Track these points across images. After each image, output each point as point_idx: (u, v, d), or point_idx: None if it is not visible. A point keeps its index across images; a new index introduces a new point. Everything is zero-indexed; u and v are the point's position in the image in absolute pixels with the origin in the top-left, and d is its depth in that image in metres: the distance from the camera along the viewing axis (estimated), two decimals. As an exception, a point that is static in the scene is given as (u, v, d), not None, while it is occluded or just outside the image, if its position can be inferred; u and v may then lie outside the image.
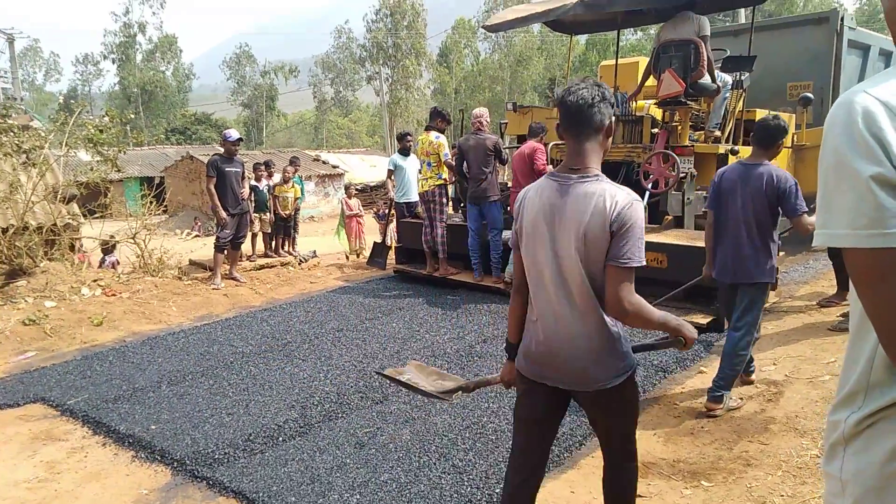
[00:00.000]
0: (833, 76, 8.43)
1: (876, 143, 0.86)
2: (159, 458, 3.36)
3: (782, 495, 2.69)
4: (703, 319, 5.09)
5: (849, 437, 0.99)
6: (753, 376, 4.10)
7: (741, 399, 3.76)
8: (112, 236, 8.38)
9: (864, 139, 0.87)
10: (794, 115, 7.83)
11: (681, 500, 2.81)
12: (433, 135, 6.83)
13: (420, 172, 7.01)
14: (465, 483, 2.99)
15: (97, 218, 7.93)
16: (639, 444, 3.37)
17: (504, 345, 2.32)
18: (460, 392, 2.60)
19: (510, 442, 3.33)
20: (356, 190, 11.41)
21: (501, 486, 2.94)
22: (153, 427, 3.68)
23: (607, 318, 1.92)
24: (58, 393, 4.27)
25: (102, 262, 8.57)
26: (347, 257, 9.84)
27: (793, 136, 7.87)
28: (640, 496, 2.88)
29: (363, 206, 10.97)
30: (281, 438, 3.52)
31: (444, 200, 6.89)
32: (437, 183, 6.77)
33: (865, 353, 0.96)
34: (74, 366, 4.81)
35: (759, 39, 8.32)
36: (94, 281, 6.67)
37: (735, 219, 3.63)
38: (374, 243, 8.83)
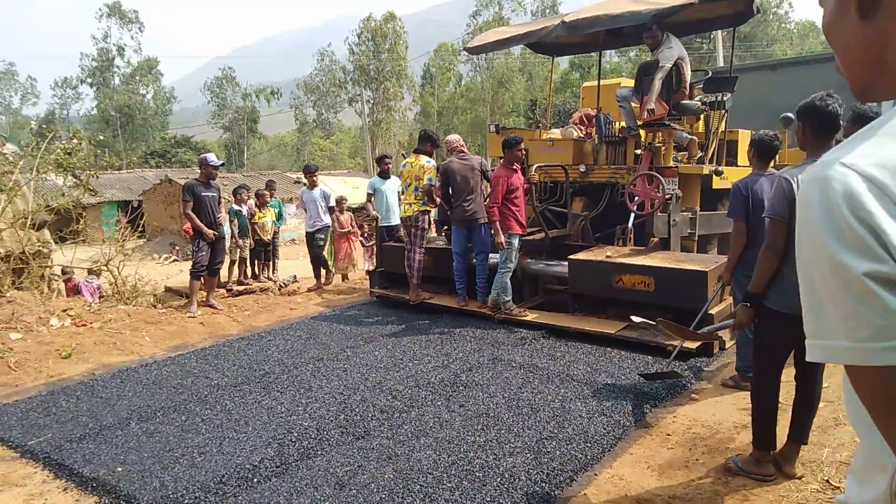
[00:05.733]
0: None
1: (868, 231, 0.69)
2: (124, 504, 3.14)
3: (785, 534, 2.56)
4: (692, 344, 4.98)
5: None
6: None
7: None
8: (73, 268, 8.11)
9: (851, 229, 0.70)
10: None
11: (679, 540, 2.66)
12: (424, 159, 6.66)
13: (403, 195, 6.81)
14: (452, 526, 2.82)
15: (70, 244, 7.68)
16: (632, 479, 3.26)
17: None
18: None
19: (499, 479, 3.18)
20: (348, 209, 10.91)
21: (490, 528, 2.78)
22: (119, 469, 3.46)
23: None
24: (18, 432, 4.02)
25: (78, 288, 8.28)
26: (344, 277, 9.58)
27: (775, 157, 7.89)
28: (635, 536, 2.74)
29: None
30: (256, 479, 3.32)
31: (426, 226, 6.75)
32: (421, 208, 6.61)
33: (886, 463, 0.78)
34: (38, 402, 4.56)
35: (788, 75, 9.96)
36: (64, 311, 6.41)
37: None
38: (368, 272, 8.57)
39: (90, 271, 8.28)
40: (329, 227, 9.05)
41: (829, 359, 0.76)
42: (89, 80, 51.43)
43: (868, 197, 0.70)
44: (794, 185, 2.82)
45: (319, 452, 3.61)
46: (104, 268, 7.32)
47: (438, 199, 6.83)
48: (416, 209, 6.60)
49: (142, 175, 28.48)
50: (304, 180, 9.17)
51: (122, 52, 52.07)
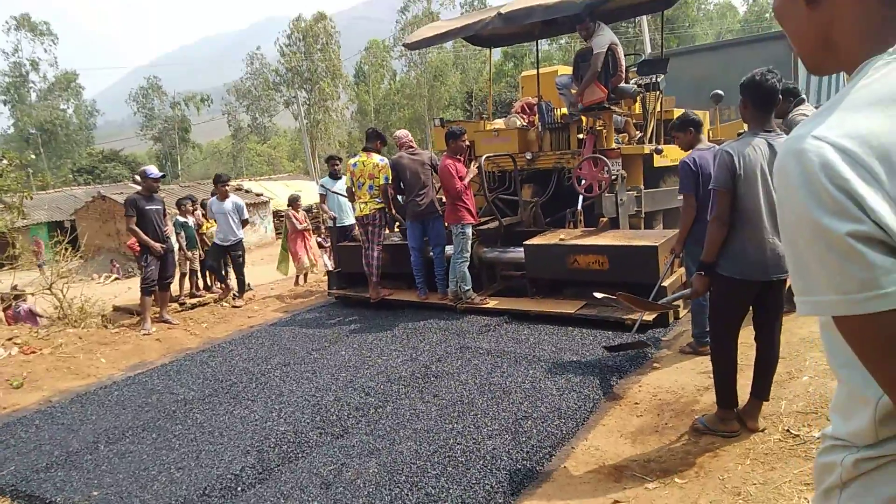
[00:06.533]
0: (793, 80, 9.65)
1: (846, 197, 0.77)
2: (106, 528, 3.08)
3: (755, 483, 2.74)
4: (649, 316, 5.19)
5: (846, 479, 0.94)
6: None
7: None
8: (22, 289, 7.77)
9: (830, 195, 0.77)
10: (707, 113, 8.23)
11: (658, 499, 2.81)
12: (377, 157, 6.65)
13: (357, 193, 6.72)
14: (442, 511, 2.88)
15: (6, 270, 7.32)
16: (607, 448, 3.41)
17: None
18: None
19: (482, 462, 3.27)
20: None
21: (479, 509, 2.86)
22: (95, 493, 3.37)
23: None
24: (-22, 468, 3.86)
25: (17, 314, 7.91)
26: (304, 278, 9.48)
27: (708, 132, 8.26)
28: (616, 501, 2.88)
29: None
30: (240, 488, 3.30)
31: (383, 223, 6.75)
32: (377, 206, 6.61)
33: (869, 397, 0.89)
34: (-5, 435, 4.37)
35: (728, 55, 10.45)
36: (10, 339, 6.13)
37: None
38: (327, 272, 8.48)
39: (16, 296, 7.93)
40: (241, 240, 8.29)
41: (818, 312, 0.84)
42: (3, 97, 48.69)
43: (843, 166, 0.78)
44: (735, 158, 3.00)
45: (300, 455, 3.62)
46: (48, 291, 7.01)
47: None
48: (371, 207, 6.60)
49: (71, 193, 27.22)
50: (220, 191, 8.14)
51: (36, 67, 49.56)
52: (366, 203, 6.60)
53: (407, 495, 3.04)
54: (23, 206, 7.22)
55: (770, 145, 3.03)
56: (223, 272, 8.61)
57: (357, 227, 7.04)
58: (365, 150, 6.76)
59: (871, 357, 0.82)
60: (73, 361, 5.84)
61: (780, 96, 3.11)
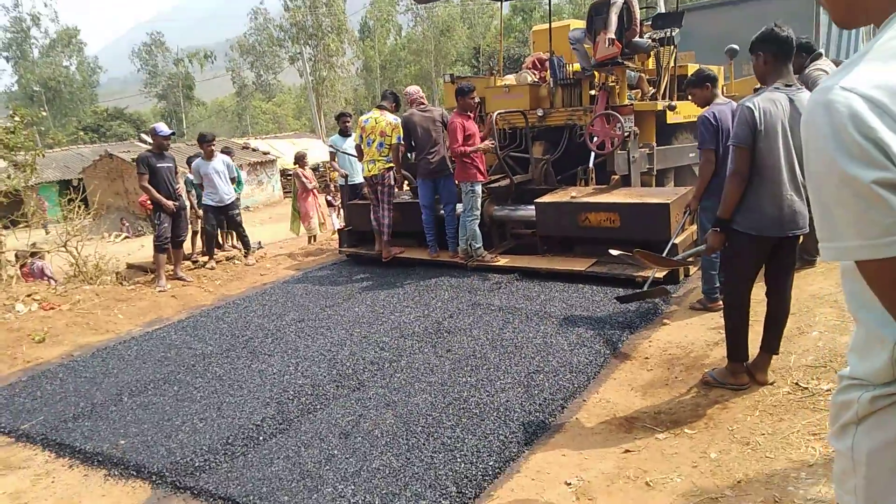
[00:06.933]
0: (814, 35, 9.68)
1: (872, 145, 0.79)
2: (135, 474, 3.20)
3: (763, 434, 2.81)
4: (659, 273, 5.22)
5: (862, 415, 0.98)
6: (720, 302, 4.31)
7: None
8: (40, 246, 7.86)
9: (857, 144, 0.80)
10: (722, 68, 8.08)
11: (668, 449, 2.89)
12: (390, 116, 6.57)
13: (365, 152, 6.67)
14: (458, 460, 2.98)
15: (21, 228, 7.39)
16: (618, 401, 3.49)
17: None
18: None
19: (496, 413, 3.37)
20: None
21: (493, 459, 2.96)
22: (122, 442, 3.50)
23: None
24: (7, 418, 3.99)
25: (32, 270, 8.03)
26: (312, 239, 9.53)
27: (723, 88, 8.13)
28: (627, 450, 2.97)
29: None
30: (261, 437, 3.42)
31: (393, 182, 6.72)
32: (386, 165, 6.58)
33: (886, 337, 0.93)
34: (21, 387, 4.51)
35: (748, 9, 10.06)
36: (29, 296, 6.24)
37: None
38: (338, 231, 8.47)
39: (33, 253, 8.02)
40: (236, 199, 8.12)
41: (843, 258, 0.88)
42: (5, 53, 48.18)
43: (870, 115, 0.80)
44: (756, 113, 2.97)
45: (319, 407, 3.72)
46: (63, 249, 7.10)
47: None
48: (381, 167, 6.56)
49: (78, 152, 27.15)
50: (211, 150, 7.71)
51: (37, 22, 48.84)
52: (374, 161, 6.55)
53: (423, 445, 3.14)
54: (35, 165, 7.24)
55: (791, 100, 3.00)
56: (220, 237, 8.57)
57: (366, 187, 7.00)
58: (379, 107, 6.70)
59: (892, 299, 0.85)
60: (92, 317, 5.96)
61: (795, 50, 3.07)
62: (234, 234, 8.79)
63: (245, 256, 8.10)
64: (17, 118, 7.00)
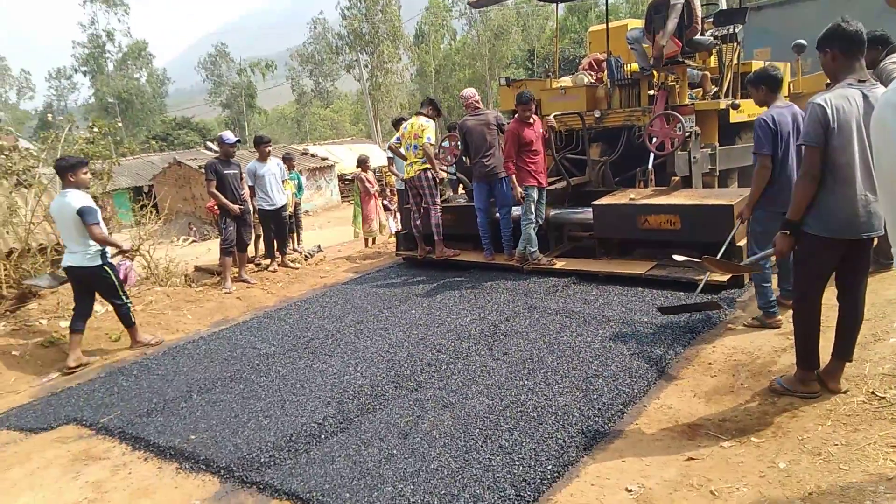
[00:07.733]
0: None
1: None
2: (205, 468, 3.34)
3: (836, 444, 2.70)
4: (723, 277, 5.07)
5: None
6: (779, 317, 4.15)
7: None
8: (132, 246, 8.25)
9: None
10: (789, 64, 7.79)
11: (734, 457, 2.81)
12: (422, 119, 6.76)
13: (407, 156, 6.85)
14: (516, 463, 2.98)
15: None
16: (681, 407, 3.41)
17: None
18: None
19: (554, 417, 3.35)
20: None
21: (552, 463, 2.95)
22: (192, 437, 3.66)
23: None
24: (89, 412, 4.24)
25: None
26: (372, 241, 9.76)
27: (789, 84, 7.83)
28: (691, 458, 2.90)
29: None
30: (323, 436, 3.51)
31: (434, 183, 6.79)
32: (422, 167, 6.68)
33: None
34: (100, 383, 4.78)
35: (826, 5, 9.51)
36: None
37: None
38: (395, 234, 8.64)
39: (123, 254, 8.41)
40: (297, 204, 8.52)
41: None
42: (83, 68, 51.09)
43: None
44: (829, 111, 2.85)
45: (378, 407, 3.79)
46: (136, 252, 7.47)
47: (450, 160, 6.98)
48: (417, 168, 6.70)
49: (148, 160, 28.51)
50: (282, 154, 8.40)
51: (111, 37, 51.58)
52: (412, 164, 6.71)
53: (482, 447, 3.15)
54: (111, 173, 7.65)
55: (865, 97, 2.87)
56: (297, 234, 8.89)
57: (408, 190, 7.15)
58: (417, 114, 6.88)
59: None
60: (163, 317, 6.25)
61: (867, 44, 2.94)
62: (294, 236, 9.09)
63: (270, 262, 8.17)
64: (95, 129, 7.43)
